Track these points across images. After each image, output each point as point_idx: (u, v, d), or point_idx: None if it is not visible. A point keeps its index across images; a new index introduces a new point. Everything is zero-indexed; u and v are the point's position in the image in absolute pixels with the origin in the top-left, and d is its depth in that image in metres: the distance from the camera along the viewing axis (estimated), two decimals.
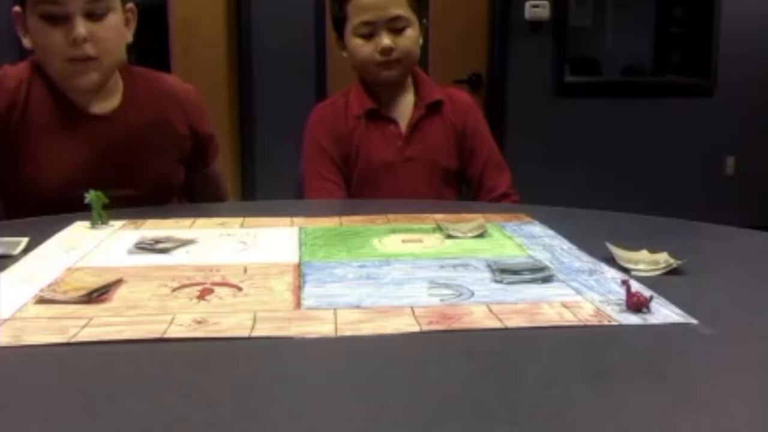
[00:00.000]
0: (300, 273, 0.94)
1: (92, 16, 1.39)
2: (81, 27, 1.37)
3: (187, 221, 1.25)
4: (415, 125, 1.72)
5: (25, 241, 1.07)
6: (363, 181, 1.72)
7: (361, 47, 1.70)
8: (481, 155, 1.74)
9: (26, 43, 1.44)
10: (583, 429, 0.56)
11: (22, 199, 1.43)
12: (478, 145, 1.74)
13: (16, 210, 1.41)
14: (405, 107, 1.75)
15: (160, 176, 1.53)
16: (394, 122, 1.73)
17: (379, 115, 1.73)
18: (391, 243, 1.10)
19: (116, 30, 1.44)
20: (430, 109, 1.73)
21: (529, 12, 4.48)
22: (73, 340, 0.72)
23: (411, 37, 1.69)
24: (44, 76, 1.45)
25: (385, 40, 1.67)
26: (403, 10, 1.67)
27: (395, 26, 1.67)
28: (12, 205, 1.46)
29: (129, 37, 1.51)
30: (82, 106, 1.46)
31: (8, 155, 1.42)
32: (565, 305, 0.82)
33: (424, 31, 1.77)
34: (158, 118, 1.53)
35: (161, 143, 1.53)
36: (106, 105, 1.49)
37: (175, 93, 1.58)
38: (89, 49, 1.39)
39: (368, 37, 1.68)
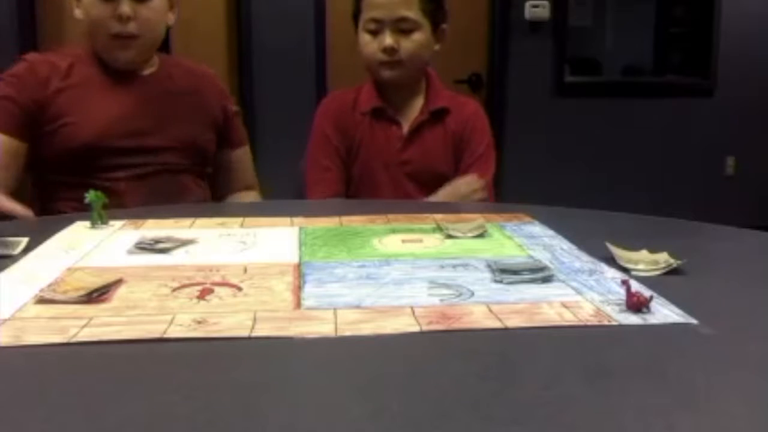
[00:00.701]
0: (300, 273, 0.94)
1: None
2: (126, 6, 1.53)
3: (187, 221, 1.25)
4: (415, 129, 1.72)
5: (25, 241, 1.07)
6: (360, 179, 1.72)
7: (367, 44, 1.70)
8: (466, 160, 1.72)
9: (77, 14, 1.60)
10: (583, 429, 0.56)
11: (60, 150, 1.55)
12: (470, 150, 1.73)
13: (53, 165, 1.56)
14: (412, 110, 1.75)
15: (189, 134, 1.65)
16: (398, 123, 1.73)
17: (385, 115, 1.73)
18: (391, 243, 1.10)
19: (159, 12, 1.60)
20: (433, 116, 1.73)
21: (529, 12, 4.48)
22: (73, 340, 0.72)
23: (417, 40, 1.68)
24: (87, 54, 1.61)
25: (388, 39, 1.66)
26: (412, 13, 1.66)
27: (401, 27, 1.67)
28: (48, 165, 1.58)
29: (172, 20, 1.66)
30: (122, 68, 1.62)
31: (51, 113, 1.55)
32: (565, 305, 0.82)
33: (442, 36, 1.75)
34: (189, 87, 1.69)
35: (191, 107, 1.68)
36: (143, 70, 1.65)
37: (205, 72, 1.78)
38: (132, 27, 1.55)
39: (375, 34, 1.69)
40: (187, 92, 1.68)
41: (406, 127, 1.72)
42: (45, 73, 1.56)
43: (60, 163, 1.55)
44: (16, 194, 1.53)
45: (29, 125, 1.54)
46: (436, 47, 1.75)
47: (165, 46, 4.26)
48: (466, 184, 1.67)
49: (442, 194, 1.65)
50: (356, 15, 1.73)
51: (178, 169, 1.63)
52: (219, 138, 1.75)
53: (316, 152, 1.74)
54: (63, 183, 1.56)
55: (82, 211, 1.25)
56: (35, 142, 1.55)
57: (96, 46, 1.61)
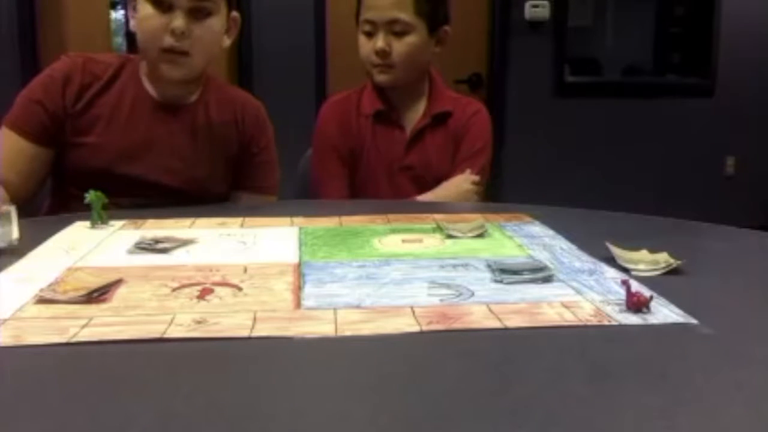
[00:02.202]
0: (300, 273, 0.94)
1: (195, 14, 1.45)
2: (180, 20, 1.44)
3: (187, 221, 1.25)
4: (418, 134, 1.71)
5: (13, 209, 1.06)
6: (362, 182, 1.72)
7: (363, 45, 1.70)
8: (458, 157, 1.71)
9: (132, 25, 1.52)
10: (583, 429, 0.56)
11: (78, 168, 1.50)
12: (463, 149, 1.72)
13: (70, 181, 1.49)
14: (414, 114, 1.73)
15: (207, 175, 1.56)
16: (401, 127, 1.72)
17: (388, 119, 1.72)
18: (391, 243, 1.10)
19: (213, 33, 1.50)
20: (436, 120, 1.72)
21: (529, 12, 4.48)
22: (73, 340, 0.72)
23: (411, 43, 1.66)
24: (132, 68, 1.54)
25: (380, 42, 1.65)
26: (405, 15, 1.65)
27: (394, 29, 1.65)
28: (67, 177, 1.52)
29: (227, 43, 1.56)
30: (159, 96, 1.53)
31: (76, 126, 1.49)
32: (565, 305, 0.82)
33: (444, 38, 1.73)
34: (222, 119, 1.57)
35: (217, 143, 1.57)
36: (180, 100, 1.55)
37: (238, 100, 1.62)
38: (185, 44, 1.45)
39: (370, 35, 1.68)
40: (218, 124, 1.57)
41: (408, 131, 1.72)
42: (82, 82, 1.50)
43: (73, 177, 1.50)
44: (35, 198, 1.50)
45: (55, 133, 1.48)
46: (436, 49, 1.73)
47: None
48: (456, 185, 1.66)
49: (435, 194, 1.64)
50: (357, 16, 1.73)
51: (187, 204, 1.53)
52: (234, 173, 1.62)
53: (323, 155, 1.73)
54: (73, 195, 1.48)
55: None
56: (59, 149, 1.50)
57: (144, 59, 1.53)
